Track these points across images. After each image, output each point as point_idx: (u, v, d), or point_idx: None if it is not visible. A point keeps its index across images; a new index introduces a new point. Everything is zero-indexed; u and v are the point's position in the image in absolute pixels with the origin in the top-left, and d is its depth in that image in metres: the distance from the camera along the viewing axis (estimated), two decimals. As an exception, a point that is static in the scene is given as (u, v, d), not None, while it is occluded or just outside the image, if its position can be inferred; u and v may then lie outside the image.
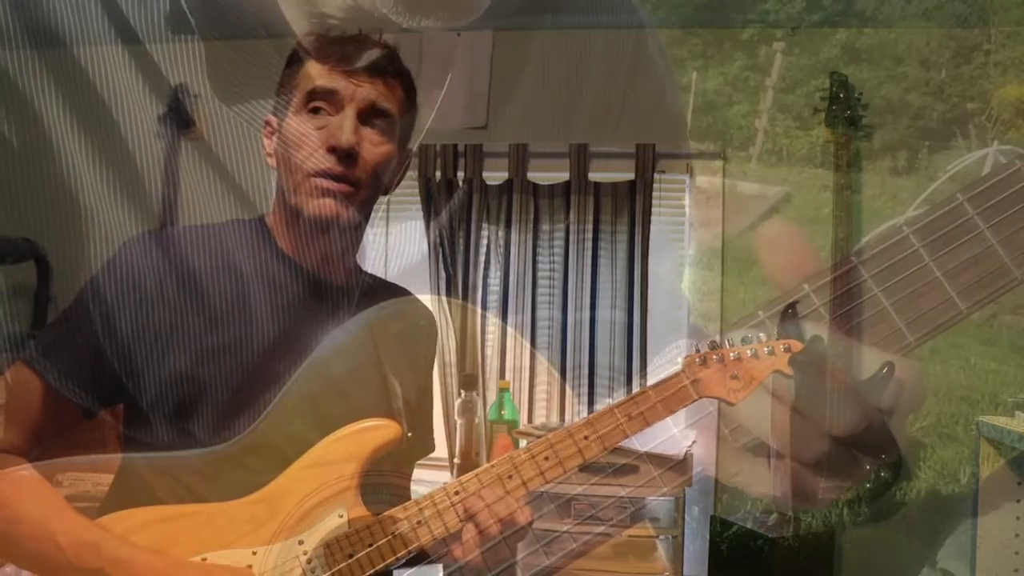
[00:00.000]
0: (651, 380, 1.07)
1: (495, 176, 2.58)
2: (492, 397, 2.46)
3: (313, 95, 1.12)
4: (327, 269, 1.16)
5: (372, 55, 1.14)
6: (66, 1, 1.43)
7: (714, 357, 1.06)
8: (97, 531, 1.02)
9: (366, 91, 1.12)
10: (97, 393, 1.10)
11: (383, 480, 1.10)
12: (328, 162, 1.10)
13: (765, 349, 1.04)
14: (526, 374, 2.53)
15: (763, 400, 1.05)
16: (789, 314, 1.01)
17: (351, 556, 1.04)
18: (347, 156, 1.10)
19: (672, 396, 1.05)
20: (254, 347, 1.10)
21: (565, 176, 2.54)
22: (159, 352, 1.08)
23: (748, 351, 1.05)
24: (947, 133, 2.34)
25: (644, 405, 1.05)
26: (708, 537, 2.14)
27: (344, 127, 1.10)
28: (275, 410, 1.09)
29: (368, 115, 1.13)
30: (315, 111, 1.12)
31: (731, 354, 1.05)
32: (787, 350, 1.03)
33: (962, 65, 2.35)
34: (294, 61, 1.17)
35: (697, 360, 1.06)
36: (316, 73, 1.12)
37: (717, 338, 1.04)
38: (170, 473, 1.08)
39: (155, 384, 1.08)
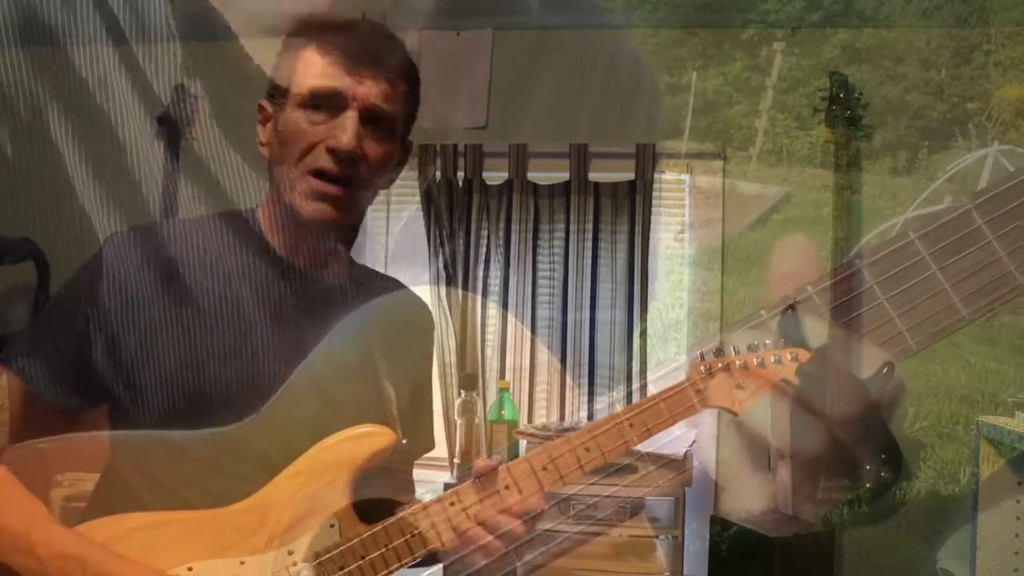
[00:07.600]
0: (656, 388, 1.05)
1: (495, 176, 2.58)
2: (492, 397, 2.45)
3: (315, 94, 1.07)
4: (318, 266, 1.12)
5: (377, 50, 1.09)
6: (63, 3, 1.42)
7: (719, 366, 1.02)
8: (82, 544, 0.98)
9: (369, 90, 1.07)
10: (79, 394, 1.06)
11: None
12: (326, 162, 1.05)
13: (772, 358, 1.00)
14: (526, 374, 2.52)
15: (764, 401, 1.04)
16: (790, 314, 1.00)
17: (342, 568, 1.01)
18: (348, 159, 1.06)
19: (677, 407, 1.02)
20: (239, 347, 1.06)
21: (565, 176, 2.54)
22: (143, 351, 1.04)
23: (755, 360, 1.01)
24: (947, 133, 2.34)
25: (648, 415, 1.02)
26: (708, 537, 2.14)
27: (346, 128, 1.05)
28: (265, 413, 1.05)
29: (370, 116, 1.08)
30: (315, 107, 1.07)
31: (737, 363, 1.02)
32: (794, 359, 1.00)
33: (962, 65, 2.35)
34: (293, 45, 1.10)
35: (703, 369, 1.02)
36: (318, 69, 1.07)
37: (719, 341, 1.02)
38: (155, 474, 1.04)
39: (136, 383, 1.04)
